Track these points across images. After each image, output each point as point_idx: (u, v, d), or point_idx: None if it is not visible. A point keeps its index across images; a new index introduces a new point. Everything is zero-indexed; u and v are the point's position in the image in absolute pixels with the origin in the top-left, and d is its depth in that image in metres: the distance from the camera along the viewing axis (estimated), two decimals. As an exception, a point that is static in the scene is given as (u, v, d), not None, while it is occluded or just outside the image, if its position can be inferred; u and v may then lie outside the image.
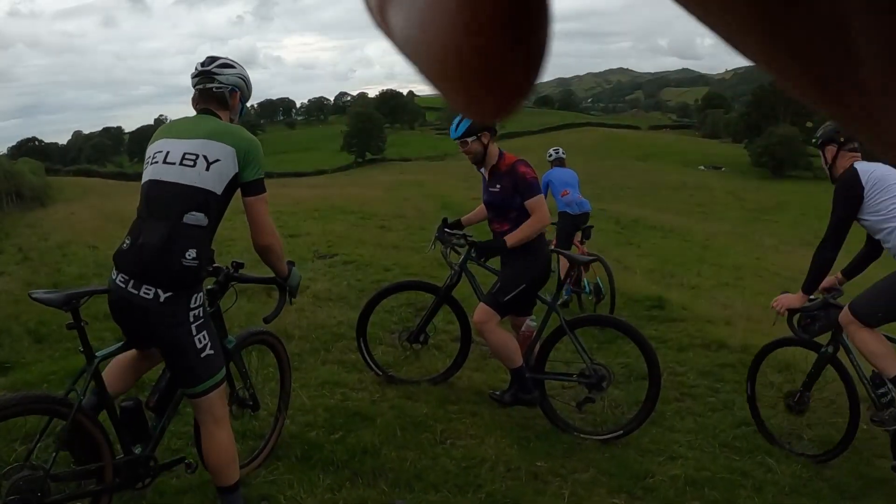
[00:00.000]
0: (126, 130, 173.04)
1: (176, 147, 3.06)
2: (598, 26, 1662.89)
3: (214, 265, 3.48)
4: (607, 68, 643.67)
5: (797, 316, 4.74)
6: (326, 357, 5.86)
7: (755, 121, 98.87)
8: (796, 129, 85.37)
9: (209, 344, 3.06)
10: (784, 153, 79.25)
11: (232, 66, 3.28)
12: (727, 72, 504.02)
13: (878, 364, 4.17)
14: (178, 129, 3.17)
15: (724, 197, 62.79)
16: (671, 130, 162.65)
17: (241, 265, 3.56)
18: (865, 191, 4.12)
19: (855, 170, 4.21)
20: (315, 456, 4.02)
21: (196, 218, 2.96)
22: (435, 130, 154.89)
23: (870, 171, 4.17)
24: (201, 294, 3.07)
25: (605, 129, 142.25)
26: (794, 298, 4.67)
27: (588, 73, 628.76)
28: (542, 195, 4.75)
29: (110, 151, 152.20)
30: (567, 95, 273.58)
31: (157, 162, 3.07)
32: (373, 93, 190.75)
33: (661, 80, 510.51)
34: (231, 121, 3.28)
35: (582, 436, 4.74)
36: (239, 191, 3.11)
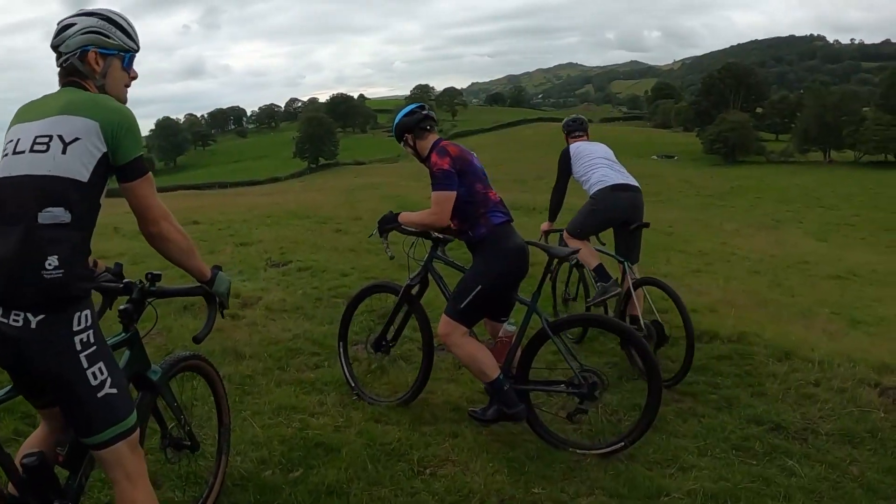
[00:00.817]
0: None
1: (27, 131, 2.40)
2: (546, 22, 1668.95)
3: (125, 280, 2.85)
4: (556, 64, 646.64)
5: (550, 236, 6.75)
6: (282, 377, 5.19)
7: (705, 109, 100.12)
8: (747, 115, 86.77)
9: (109, 380, 2.37)
10: (736, 139, 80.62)
11: (72, 24, 2.55)
12: (675, 62, 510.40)
13: (584, 260, 6.04)
14: (32, 109, 2.50)
15: (679, 185, 63.58)
16: (622, 122, 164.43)
17: (157, 277, 2.86)
18: (572, 160, 6.41)
19: (568, 147, 6.62)
20: (272, 502, 3.37)
21: (53, 215, 2.26)
22: (387, 133, 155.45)
23: (576, 147, 6.52)
24: (88, 313, 2.35)
25: (558, 123, 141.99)
26: (544, 224, 6.79)
27: (538, 69, 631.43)
28: (443, 190, 4.33)
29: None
30: (518, 92, 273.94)
31: (6, 154, 2.40)
32: (324, 97, 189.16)
33: (611, 74, 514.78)
34: (101, 88, 2.59)
35: (578, 451, 4.17)
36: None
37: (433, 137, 4.58)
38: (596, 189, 6.06)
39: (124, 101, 2.63)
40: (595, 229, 6.39)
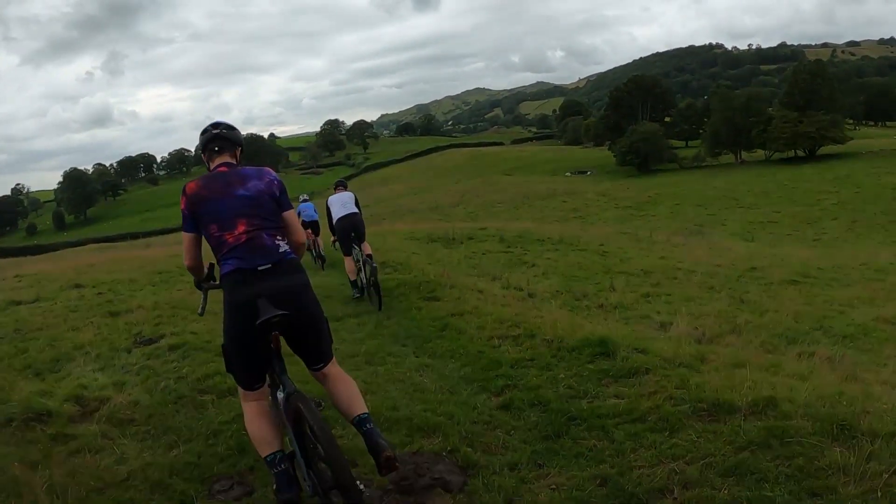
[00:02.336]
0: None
1: None
2: (451, 49, 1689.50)
3: None
4: (464, 90, 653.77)
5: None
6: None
7: (616, 122, 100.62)
8: (656, 125, 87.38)
9: None
10: (648, 149, 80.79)
11: None
12: (581, 80, 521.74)
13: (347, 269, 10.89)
14: None
15: (597, 199, 63.48)
16: (534, 142, 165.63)
17: None
18: (329, 205, 10.86)
19: (329, 198, 11.01)
20: None
21: None
22: (299, 171, 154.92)
23: (331, 198, 10.92)
24: None
25: (469, 148, 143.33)
26: (333, 238, 11.35)
27: (446, 97, 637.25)
28: (182, 231, 3.98)
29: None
30: (428, 121, 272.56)
31: None
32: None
33: (518, 96, 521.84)
34: None
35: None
36: None
37: (221, 160, 4.12)
38: (333, 221, 10.74)
39: None
40: (342, 242, 10.76)
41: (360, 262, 10.29)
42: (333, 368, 3.97)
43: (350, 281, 10.68)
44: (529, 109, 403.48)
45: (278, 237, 3.82)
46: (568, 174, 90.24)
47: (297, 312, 3.63)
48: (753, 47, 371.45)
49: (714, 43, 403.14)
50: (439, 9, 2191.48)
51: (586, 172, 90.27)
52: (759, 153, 79.84)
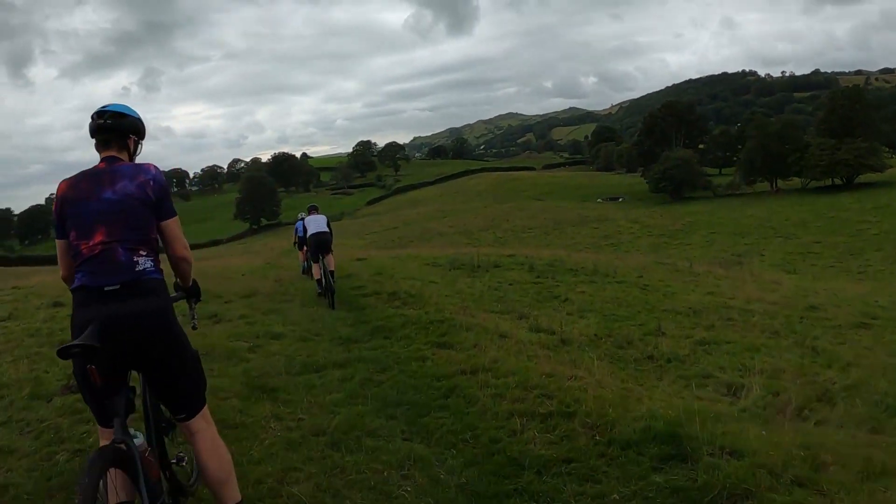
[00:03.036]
0: (15, 212, 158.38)
1: None
2: (483, 74, 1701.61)
3: None
4: (497, 114, 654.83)
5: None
6: None
7: (649, 148, 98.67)
8: (691, 152, 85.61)
9: None
10: (682, 175, 78.71)
11: None
12: (613, 106, 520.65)
13: (314, 271, 13.62)
14: None
15: (629, 226, 62.02)
16: (565, 168, 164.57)
17: None
18: (306, 225, 14.35)
19: (304, 219, 15.33)
20: None
21: None
22: (330, 191, 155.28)
23: (308, 219, 14.46)
24: None
25: (501, 172, 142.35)
26: (301, 254, 17.83)
27: (478, 121, 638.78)
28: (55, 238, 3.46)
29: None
30: (460, 144, 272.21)
31: None
32: (266, 157, 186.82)
33: (550, 121, 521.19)
34: None
35: None
36: None
37: (106, 155, 3.45)
38: (308, 236, 13.82)
39: None
40: (312, 252, 13.42)
41: (323, 270, 12.78)
42: (203, 427, 3.42)
43: (315, 280, 13.32)
44: (561, 135, 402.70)
45: (141, 252, 3.24)
46: (599, 200, 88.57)
47: (133, 346, 3.12)
48: (787, 74, 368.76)
49: (747, 70, 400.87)
50: (473, 34, 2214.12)
51: (618, 199, 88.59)
52: (796, 181, 77.84)
